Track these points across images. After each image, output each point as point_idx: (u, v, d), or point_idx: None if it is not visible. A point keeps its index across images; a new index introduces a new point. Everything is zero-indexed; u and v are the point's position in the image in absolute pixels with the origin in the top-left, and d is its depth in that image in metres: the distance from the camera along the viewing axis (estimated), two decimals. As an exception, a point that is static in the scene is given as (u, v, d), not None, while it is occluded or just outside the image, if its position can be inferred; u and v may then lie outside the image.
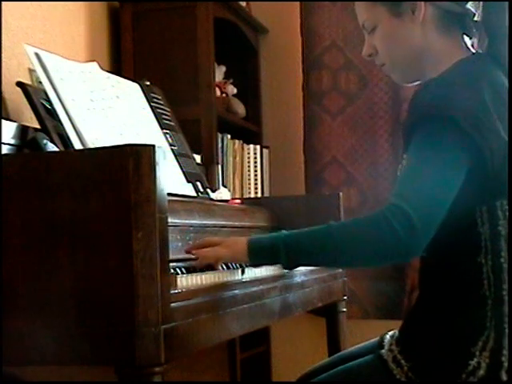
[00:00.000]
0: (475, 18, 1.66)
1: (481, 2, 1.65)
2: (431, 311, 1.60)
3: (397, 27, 1.68)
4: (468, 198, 1.53)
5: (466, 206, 1.54)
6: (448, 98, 1.54)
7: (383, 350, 1.62)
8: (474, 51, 1.69)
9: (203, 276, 1.55)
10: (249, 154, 3.54)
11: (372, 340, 1.82)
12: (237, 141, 3.46)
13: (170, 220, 1.37)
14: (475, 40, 1.70)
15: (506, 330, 1.53)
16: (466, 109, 1.52)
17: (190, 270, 1.65)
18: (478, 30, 1.68)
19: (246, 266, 1.73)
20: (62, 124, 1.84)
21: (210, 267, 1.67)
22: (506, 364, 1.52)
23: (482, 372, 1.52)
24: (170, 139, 2.28)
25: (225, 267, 1.81)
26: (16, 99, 2.15)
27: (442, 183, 1.50)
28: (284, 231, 1.59)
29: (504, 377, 1.52)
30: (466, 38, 1.70)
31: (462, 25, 1.68)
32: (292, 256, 1.55)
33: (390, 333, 1.72)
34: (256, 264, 1.69)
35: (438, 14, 1.66)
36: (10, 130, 1.81)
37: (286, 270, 1.82)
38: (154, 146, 1.32)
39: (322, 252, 1.54)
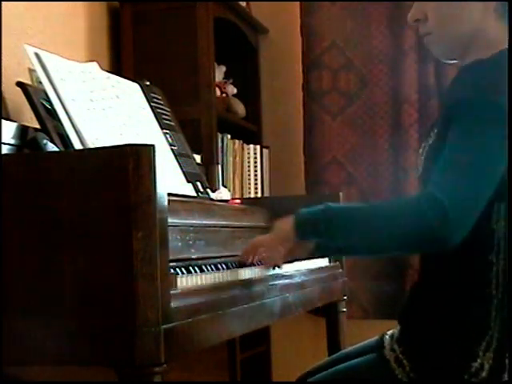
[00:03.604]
0: None
1: None
2: (434, 309, 1.59)
3: (460, 2, 1.62)
4: None
5: None
6: (494, 82, 1.50)
7: (385, 350, 1.61)
8: None
9: (203, 276, 1.55)
10: (249, 154, 3.54)
11: (371, 339, 1.81)
12: (237, 141, 3.46)
13: (170, 220, 1.36)
14: None
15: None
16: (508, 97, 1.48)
17: (189, 270, 1.65)
18: None
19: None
20: (62, 124, 1.84)
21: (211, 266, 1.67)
22: (509, 367, 1.51)
23: (484, 374, 1.51)
24: (170, 139, 2.28)
25: (225, 267, 1.81)
26: (16, 99, 2.15)
27: (483, 176, 1.46)
28: (330, 204, 1.57)
29: (505, 377, 1.52)
30: None
31: None
32: (331, 231, 1.53)
33: (389, 332, 1.72)
34: (303, 238, 1.62)
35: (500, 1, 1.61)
36: (10, 130, 1.81)
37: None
38: (153, 146, 1.32)
39: (359, 235, 1.53)
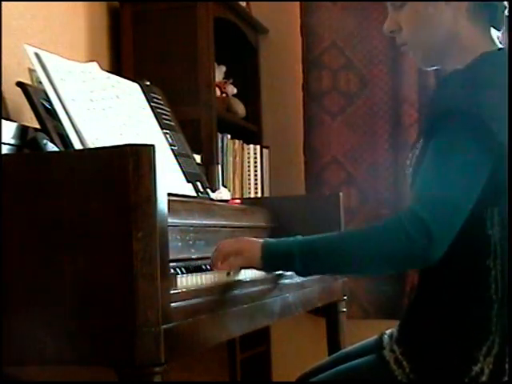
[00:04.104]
0: (506, 12, 1.62)
1: None
2: (435, 312, 1.59)
3: (429, 7, 1.63)
4: (479, 198, 1.49)
5: (477, 206, 1.50)
6: (474, 93, 1.50)
7: (385, 351, 1.61)
8: (500, 46, 1.65)
9: (203, 276, 1.55)
10: (249, 154, 3.54)
11: (370, 338, 1.81)
12: (237, 141, 3.46)
13: (169, 220, 1.36)
14: (501, 34, 1.66)
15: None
16: (491, 106, 1.48)
17: (190, 270, 1.65)
18: (505, 25, 1.64)
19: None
20: (62, 124, 1.84)
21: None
22: (508, 371, 1.51)
23: (484, 378, 1.50)
24: (169, 139, 2.28)
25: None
26: (16, 99, 2.15)
27: (463, 190, 1.46)
28: (299, 237, 1.56)
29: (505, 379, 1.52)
30: (494, 31, 1.65)
31: (492, 16, 1.63)
32: (307, 264, 1.53)
33: (388, 331, 1.72)
34: (271, 270, 1.67)
35: (471, 1, 1.62)
36: (10, 130, 1.81)
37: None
38: (153, 145, 1.32)
39: (338, 260, 1.52)
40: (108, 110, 2.03)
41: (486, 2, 1.62)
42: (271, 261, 1.56)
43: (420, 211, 1.43)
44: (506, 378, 1.51)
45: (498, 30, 1.66)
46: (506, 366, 1.51)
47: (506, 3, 1.62)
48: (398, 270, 1.56)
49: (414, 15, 1.65)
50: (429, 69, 1.74)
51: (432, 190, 1.47)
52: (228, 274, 1.66)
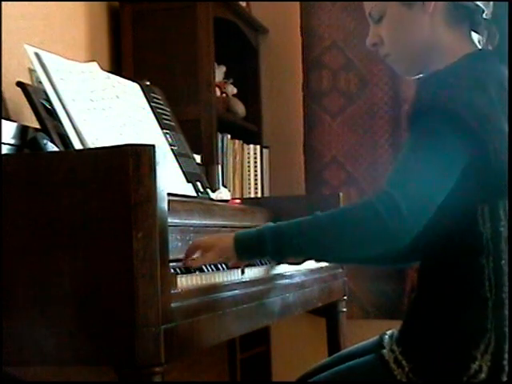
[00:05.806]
0: (484, 15, 1.63)
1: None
2: (432, 312, 1.59)
3: (405, 17, 1.65)
4: (469, 196, 1.51)
5: (467, 203, 1.52)
6: (453, 90, 1.51)
7: (384, 350, 1.61)
8: (480, 48, 1.66)
9: (203, 276, 1.55)
10: (249, 153, 3.54)
11: (371, 339, 1.82)
12: (237, 141, 3.46)
13: (169, 220, 1.37)
14: (481, 37, 1.67)
15: (507, 334, 1.53)
16: (471, 102, 1.50)
17: (189, 270, 1.65)
18: (486, 28, 1.65)
19: (245, 267, 1.72)
20: (62, 124, 1.84)
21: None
22: (507, 368, 1.52)
23: (483, 375, 1.51)
24: (169, 139, 2.28)
25: (225, 267, 1.81)
26: (16, 99, 2.15)
27: (436, 175, 1.47)
28: (270, 223, 1.56)
29: (504, 379, 1.52)
30: (474, 34, 1.67)
31: (470, 20, 1.65)
32: (279, 247, 1.52)
33: (389, 332, 1.72)
34: (246, 259, 1.64)
35: (448, 6, 1.63)
36: (10, 129, 1.81)
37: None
38: (153, 145, 1.32)
39: (310, 240, 1.51)
40: (108, 110, 2.03)
41: (458, 2, 1.63)
42: (244, 247, 1.55)
43: (391, 191, 1.45)
44: (504, 376, 1.52)
45: (478, 34, 1.67)
46: (504, 362, 1.51)
47: (483, 6, 1.62)
48: (370, 249, 1.54)
49: (393, 26, 1.67)
50: (413, 77, 1.75)
51: (405, 174, 1.48)
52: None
